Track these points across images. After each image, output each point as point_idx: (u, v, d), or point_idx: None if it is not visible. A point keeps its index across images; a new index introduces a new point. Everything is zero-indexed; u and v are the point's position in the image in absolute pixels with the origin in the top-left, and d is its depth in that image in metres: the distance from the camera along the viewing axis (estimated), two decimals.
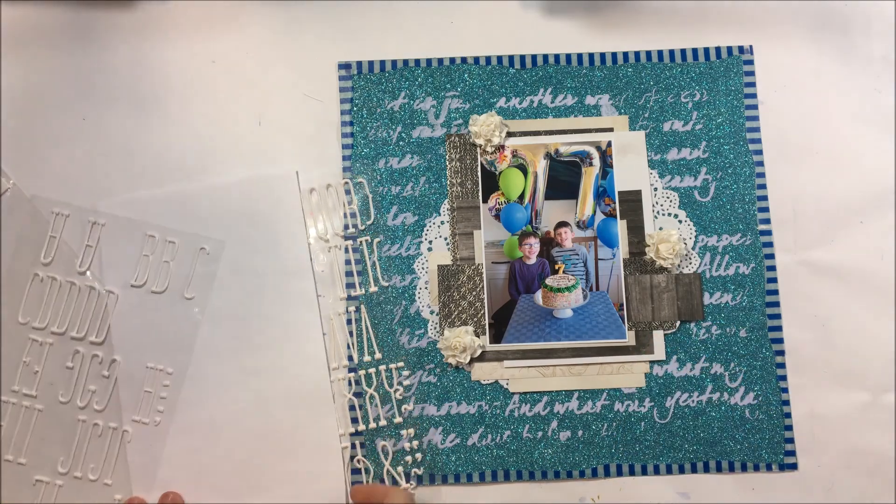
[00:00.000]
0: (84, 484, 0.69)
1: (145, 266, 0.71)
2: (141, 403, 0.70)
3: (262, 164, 0.74)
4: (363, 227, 0.73)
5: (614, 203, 0.73)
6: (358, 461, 0.70)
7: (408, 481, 0.69)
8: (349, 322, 0.71)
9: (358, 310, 0.72)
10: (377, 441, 0.70)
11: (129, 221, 0.72)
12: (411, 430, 0.70)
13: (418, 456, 0.70)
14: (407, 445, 0.70)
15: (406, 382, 0.71)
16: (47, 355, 0.70)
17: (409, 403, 0.71)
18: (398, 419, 0.70)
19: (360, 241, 0.73)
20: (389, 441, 0.70)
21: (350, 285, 0.72)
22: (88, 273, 0.71)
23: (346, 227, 0.73)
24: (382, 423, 0.70)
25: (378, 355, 0.71)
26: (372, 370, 0.71)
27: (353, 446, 0.70)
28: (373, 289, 0.72)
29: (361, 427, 0.70)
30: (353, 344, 0.71)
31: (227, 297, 0.71)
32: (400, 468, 0.70)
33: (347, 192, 0.73)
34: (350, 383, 0.71)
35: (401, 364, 0.71)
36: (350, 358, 0.71)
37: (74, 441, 0.69)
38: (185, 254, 0.71)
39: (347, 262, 0.72)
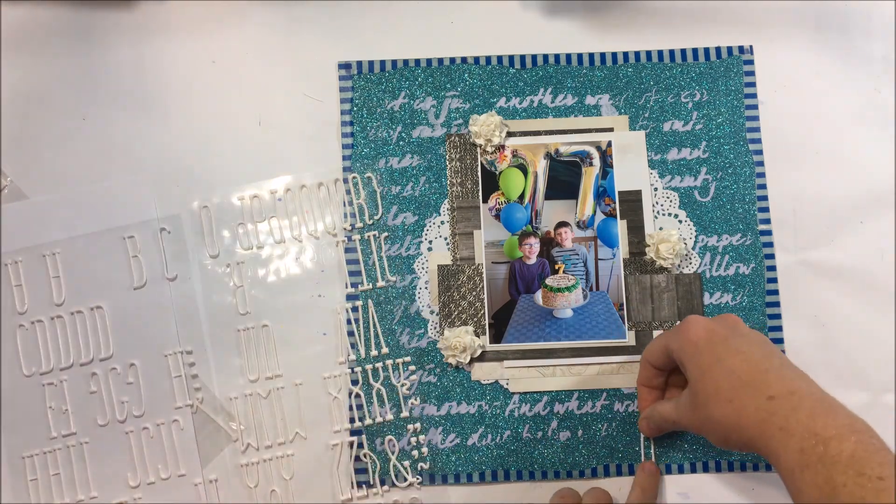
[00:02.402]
0: (159, 485, 0.69)
1: (117, 269, 0.72)
2: (177, 390, 0.70)
3: (263, 163, 0.74)
4: (371, 222, 0.73)
5: (614, 203, 0.73)
6: (364, 455, 0.70)
7: (414, 476, 0.69)
8: (355, 320, 0.72)
9: (365, 306, 0.72)
10: (383, 436, 0.70)
11: (81, 238, 0.72)
12: (417, 425, 0.70)
13: (424, 451, 0.70)
14: (413, 440, 0.70)
15: (413, 378, 0.71)
16: (68, 392, 0.70)
17: (416, 398, 0.71)
18: (404, 413, 0.70)
19: (368, 236, 0.73)
20: (395, 435, 0.70)
21: (354, 284, 0.72)
22: (67, 302, 0.71)
23: (353, 224, 0.73)
24: (389, 417, 0.70)
25: (385, 350, 0.71)
26: (379, 364, 0.71)
27: (361, 444, 0.70)
28: (380, 283, 0.72)
29: (368, 422, 0.70)
30: (358, 338, 0.71)
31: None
32: (406, 462, 0.70)
33: (348, 191, 0.73)
34: (358, 379, 0.71)
35: (407, 359, 0.71)
36: (356, 351, 0.71)
37: (132, 453, 0.70)
38: (148, 242, 0.72)
39: (354, 261, 0.72)
